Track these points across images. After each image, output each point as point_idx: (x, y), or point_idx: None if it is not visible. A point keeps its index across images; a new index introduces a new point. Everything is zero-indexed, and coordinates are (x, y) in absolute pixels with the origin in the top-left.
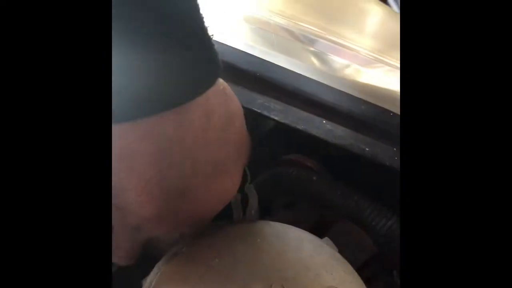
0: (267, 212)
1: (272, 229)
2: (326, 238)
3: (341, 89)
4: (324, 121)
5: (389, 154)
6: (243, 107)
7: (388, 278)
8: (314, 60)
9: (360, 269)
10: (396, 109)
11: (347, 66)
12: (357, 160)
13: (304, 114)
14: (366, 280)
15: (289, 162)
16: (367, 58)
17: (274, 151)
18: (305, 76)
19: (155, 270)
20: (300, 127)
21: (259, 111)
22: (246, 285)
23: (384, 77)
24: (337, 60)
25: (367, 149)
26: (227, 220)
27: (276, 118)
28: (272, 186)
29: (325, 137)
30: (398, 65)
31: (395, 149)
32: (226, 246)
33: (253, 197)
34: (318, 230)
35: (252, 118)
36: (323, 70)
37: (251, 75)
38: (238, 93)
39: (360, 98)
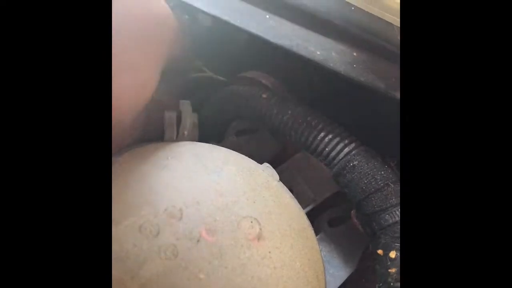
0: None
1: (195, 148)
2: (265, 164)
3: None
4: (267, 16)
5: (345, 59)
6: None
7: (349, 221)
8: None
9: (319, 209)
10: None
11: None
12: (308, 67)
13: (242, 6)
14: (328, 222)
15: (244, 79)
16: None
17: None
18: None
19: None
20: (235, 22)
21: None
22: (134, 208)
23: None
24: None
25: (318, 52)
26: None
27: (204, 9)
28: (221, 106)
29: (266, 35)
30: None
31: (355, 53)
32: (126, 163)
33: (187, 115)
34: (278, 162)
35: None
36: None
37: None
38: None
39: None
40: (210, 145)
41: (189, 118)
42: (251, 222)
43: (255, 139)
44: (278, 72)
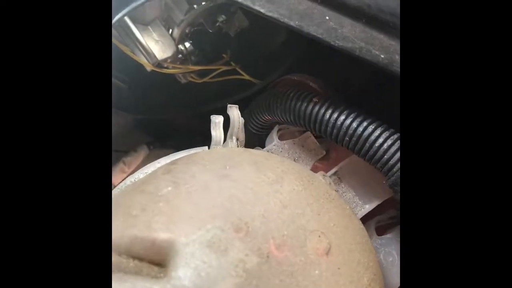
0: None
1: (251, 155)
2: (321, 172)
3: None
4: (326, 17)
5: None
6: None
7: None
8: None
9: (370, 218)
10: None
11: None
12: (372, 77)
13: (301, 6)
14: (377, 227)
15: (288, 82)
16: None
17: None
18: None
19: None
20: (293, 23)
21: (239, 0)
22: (200, 222)
23: None
24: None
25: (382, 55)
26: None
27: (261, 10)
28: (266, 109)
29: (326, 37)
30: None
31: None
32: (184, 172)
33: (236, 120)
34: (325, 168)
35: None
36: None
37: None
38: None
39: None
40: (264, 152)
41: (238, 123)
42: (319, 236)
43: (299, 144)
44: (319, 72)
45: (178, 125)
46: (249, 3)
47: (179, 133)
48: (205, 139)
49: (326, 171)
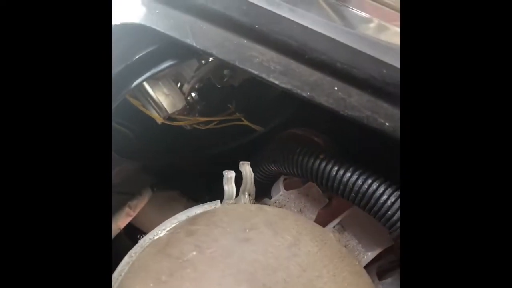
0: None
1: (266, 215)
2: (331, 229)
3: (358, 47)
4: (335, 88)
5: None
6: (237, 66)
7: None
8: (329, 11)
9: (371, 263)
10: None
11: (369, 21)
12: (375, 136)
13: (312, 77)
14: (378, 275)
15: (293, 136)
16: (394, 12)
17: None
18: (314, 30)
19: (126, 258)
20: (305, 93)
21: (256, 72)
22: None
23: None
24: (358, 13)
25: (387, 123)
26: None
27: (276, 82)
28: (273, 162)
29: (336, 107)
30: None
31: None
32: (206, 235)
33: (248, 177)
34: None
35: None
36: (337, 24)
37: (248, 27)
38: (231, 49)
39: (381, 60)
40: (276, 210)
41: (251, 179)
42: None
43: (304, 193)
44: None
45: (181, 167)
46: (264, 76)
47: (183, 175)
48: (208, 181)
49: (329, 219)
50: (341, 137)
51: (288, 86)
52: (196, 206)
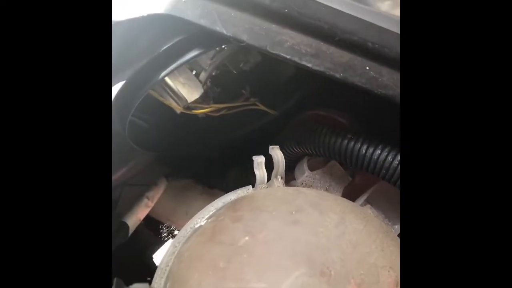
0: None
1: (307, 197)
2: (368, 205)
3: (386, 27)
4: (367, 67)
5: None
6: (268, 51)
7: None
8: None
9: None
10: None
11: None
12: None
13: (343, 59)
14: None
15: (317, 117)
16: None
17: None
18: (343, 12)
19: (170, 248)
20: (338, 75)
21: (288, 56)
22: (287, 270)
23: None
24: None
25: None
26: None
27: (308, 64)
28: (298, 146)
29: (369, 86)
30: None
31: None
32: (253, 220)
33: (280, 160)
34: (352, 193)
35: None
36: (363, 5)
37: (277, 12)
38: (262, 35)
39: None
40: (314, 190)
41: (283, 163)
42: (388, 271)
43: (328, 172)
44: (348, 107)
45: (194, 155)
46: (296, 59)
47: (195, 163)
48: (221, 168)
49: (354, 195)
50: (367, 116)
51: (321, 68)
52: (230, 193)
